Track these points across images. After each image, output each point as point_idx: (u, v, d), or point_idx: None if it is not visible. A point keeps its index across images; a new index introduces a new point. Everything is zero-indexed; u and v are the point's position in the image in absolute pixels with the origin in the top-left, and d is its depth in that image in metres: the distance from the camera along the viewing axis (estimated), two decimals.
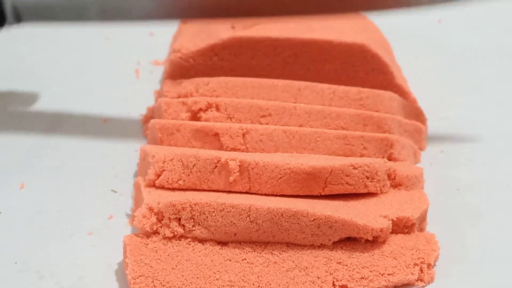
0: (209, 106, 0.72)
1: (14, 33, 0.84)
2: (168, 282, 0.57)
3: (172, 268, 0.58)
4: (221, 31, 0.81)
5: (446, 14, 1.11)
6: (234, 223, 0.59)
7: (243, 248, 0.60)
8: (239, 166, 0.63)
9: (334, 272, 0.58)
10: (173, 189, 0.64)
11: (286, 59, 0.81)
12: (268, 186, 0.63)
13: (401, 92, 0.81)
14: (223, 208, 0.59)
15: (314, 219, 0.59)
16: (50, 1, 0.78)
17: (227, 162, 0.63)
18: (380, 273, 0.59)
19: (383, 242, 0.61)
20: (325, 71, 0.81)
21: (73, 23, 0.80)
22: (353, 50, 0.80)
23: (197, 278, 0.57)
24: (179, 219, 0.60)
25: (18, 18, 0.80)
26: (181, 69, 0.82)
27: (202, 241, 0.60)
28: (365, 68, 0.81)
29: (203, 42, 0.81)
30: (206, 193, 0.63)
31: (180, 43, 0.83)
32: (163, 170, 0.64)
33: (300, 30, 0.81)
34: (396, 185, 0.67)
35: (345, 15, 0.81)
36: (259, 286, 0.57)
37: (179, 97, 0.76)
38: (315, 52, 0.80)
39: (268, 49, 0.81)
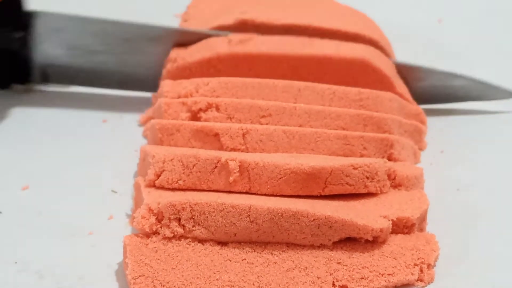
0: (209, 107, 0.72)
1: None
2: (168, 282, 0.57)
3: (172, 268, 0.58)
4: (218, 44, 0.80)
5: (446, 14, 1.11)
6: (234, 223, 0.59)
7: (243, 248, 0.60)
8: (239, 166, 0.63)
9: (334, 272, 0.58)
10: (173, 189, 0.64)
11: (284, 73, 0.80)
12: (268, 186, 0.63)
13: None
14: (223, 208, 0.59)
15: (314, 219, 0.59)
16: (75, 67, 0.85)
17: (227, 162, 0.63)
18: (380, 273, 0.59)
19: (383, 242, 0.61)
20: (324, 83, 0.80)
21: (95, 87, 0.88)
22: (353, 64, 0.79)
23: (197, 278, 0.57)
24: (179, 219, 0.60)
25: (46, 79, 0.86)
26: (177, 78, 0.81)
27: (202, 241, 0.60)
28: (366, 81, 0.79)
29: (199, 54, 0.80)
30: (206, 193, 0.63)
31: (176, 52, 0.82)
32: (163, 170, 0.64)
33: (299, 44, 0.80)
34: (396, 185, 0.67)
35: None
36: (259, 286, 0.57)
37: (179, 97, 0.76)
38: (314, 67, 0.79)
39: (265, 65, 0.80)
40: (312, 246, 0.60)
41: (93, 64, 0.85)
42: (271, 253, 0.60)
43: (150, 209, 0.60)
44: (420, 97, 0.84)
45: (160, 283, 0.57)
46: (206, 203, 0.59)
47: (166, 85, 0.78)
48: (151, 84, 0.84)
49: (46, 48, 0.84)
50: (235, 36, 0.80)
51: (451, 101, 0.86)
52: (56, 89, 0.88)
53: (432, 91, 0.86)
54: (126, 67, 0.85)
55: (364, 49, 0.81)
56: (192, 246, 0.60)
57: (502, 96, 0.86)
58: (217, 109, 0.72)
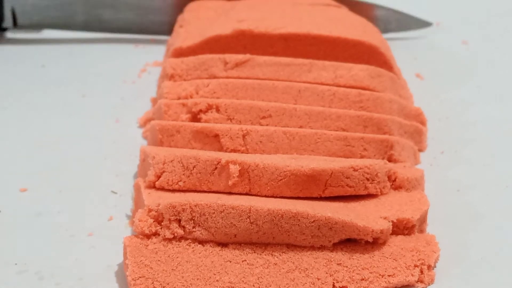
0: (209, 108, 0.72)
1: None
2: (168, 284, 0.57)
3: (172, 269, 0.58)
4: (213, 65, 0.79)
5: (445, 16, 1.11)
6: (234, 225, 0.59)
7: (243, 250, 0.60)
8: (239, 169, 0.63)
9: (334, 273, 0.58)
10: (173, 191, 0.64)
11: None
12: (268, 188, 0.63)
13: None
14: (223, 210, 0.59)
15: (314, 221, 0.59)
16: (43, 10, 0.95)
17: (227, 164, 0.63)
18: (380, 275, 0.59)
19: (383, 243, 0.61)
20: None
21: (61, 29, 0.98)
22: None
23: (197, 279, 0.57)
24: (179, 221, 0.60)
25: (15, 22, 0.95)
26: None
27: (202, 242, 0.60)
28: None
29: (195, 73, 0.80)
30: (206, 194, 0.63)
31: (173, 67, 0.81)
32: (163, 172, 0.64)
33: (298, 72, 0.78)
34: (396, 187, 0.67)
35: None
36: None
37: (179, 98, 0.76)
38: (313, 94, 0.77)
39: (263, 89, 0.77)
40: (312, 247, 0.60)
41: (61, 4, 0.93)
42: (271, 254, 0.60)
43: (149, 212, 0.60)
44: None
45: (160, 284, 0.57)
46: (206, 204, 0.59)
47: (166, 86, 0.78)
48: (116, 25, 0.95)
49: None
50: (231, 58, 0.79)
51: None
52: (53, 91, 0.88)
53: None
54: (94, 9, 0.94)
55: (365, 73, 0.79)
56: (192, 247, 0.60)
57: (418, 26, 1.00)
58: (217, 110, 0.72)
